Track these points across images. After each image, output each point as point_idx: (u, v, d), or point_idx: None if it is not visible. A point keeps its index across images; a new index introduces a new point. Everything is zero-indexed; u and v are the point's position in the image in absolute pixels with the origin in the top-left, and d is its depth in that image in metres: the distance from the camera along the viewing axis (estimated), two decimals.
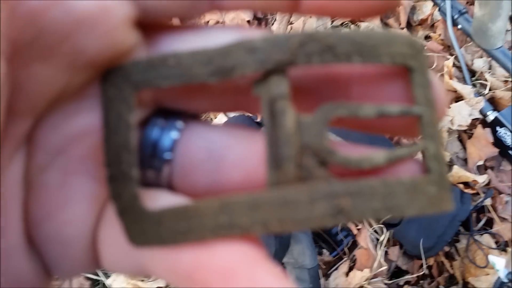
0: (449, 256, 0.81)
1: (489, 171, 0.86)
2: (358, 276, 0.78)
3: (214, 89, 0.17)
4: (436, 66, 0.96)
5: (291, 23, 1.13)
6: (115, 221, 0.16)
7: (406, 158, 0.16)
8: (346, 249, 0.82)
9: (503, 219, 0.81)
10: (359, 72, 0.17)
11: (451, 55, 0.97)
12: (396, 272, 0.82)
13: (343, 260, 0.82)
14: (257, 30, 0.17)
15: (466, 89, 0.89)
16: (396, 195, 0.15)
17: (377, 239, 0.81)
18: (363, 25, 1.06)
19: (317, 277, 0.77)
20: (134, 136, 0.16)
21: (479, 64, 0.96)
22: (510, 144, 0.82)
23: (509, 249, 0.77)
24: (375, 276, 0.78)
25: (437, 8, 0.95)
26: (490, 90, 0.92)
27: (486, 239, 0.79)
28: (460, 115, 0.87)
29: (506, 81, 0.91)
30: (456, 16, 0.91)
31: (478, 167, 0.86)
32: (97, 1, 0.14)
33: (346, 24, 1.11)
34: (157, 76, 0.16)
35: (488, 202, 0.82)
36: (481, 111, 0.87)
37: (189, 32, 0.17)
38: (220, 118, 0.93)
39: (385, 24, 1.05)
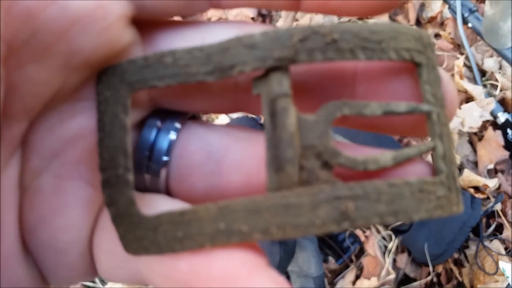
0: (458, 263, 0.81)
1: (499, 174, 0.86)
2: (365, 284, 0.77)
3: (212, 88, 0.17)
4: (446, 66, 0.96)
5: (297, 20, 1.13)
6: (111, 227, 0.16)
7: (414, 159, 0.16)
8: (353, 257, 0.82)
9: None
10: (364, 68, 0.16)
11: (461, 54, 0.97)
12: (403, 280, 0.82)
13: (350, 268, 0.82)
14: (258, 25, 0.17)
15: (476, 90, 0.89)
16: (403, 197, 0.15)
17: (385, 246, 0.81)
18: (371, 21, 1.06)
19: (323, 286, 0.77)
20: (130, 139, 0.16)
21: (490, 64, 0.95)
22: None
23: None
24: (382, 285, 0.78)
25: (446, 6, 0.95)
26: (500, 90, 0.92)
27: (496, 245, 0.79)
28: (470, 116, 0.87)
29: None
30: (466, 15, 0.91)
31: (488, 170, 0.85)
32: None
33: (354, 20, 1.11)
34: (153, 75, 0.16)
35: (498, 206, 0.82)
36: (491, 113, 0.87)
37: (187, 29, 0.17)
38: (222, 119, 0.93)
39: (394, 22, 1.05)
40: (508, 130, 0.84)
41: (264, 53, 0.14)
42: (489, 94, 0.91)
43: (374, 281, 0.77)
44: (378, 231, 0.82)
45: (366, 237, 0.81)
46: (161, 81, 0.16)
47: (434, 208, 0.15)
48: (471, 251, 0.79)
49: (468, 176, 0.83)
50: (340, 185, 0.14)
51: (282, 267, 0.69)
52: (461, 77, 0.92)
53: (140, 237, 0.15)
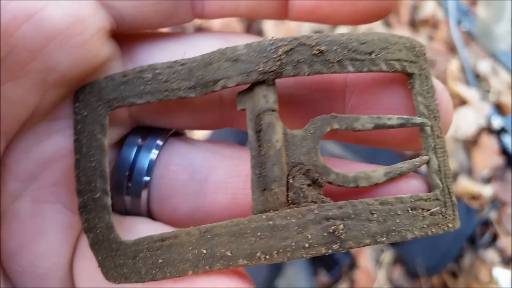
0: (453, 273, 0.81)
1: (494, 181, 0.87)
2: None
3: (196, 103, 0.17)
4: (439, 68, 0.97)
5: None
6: (91, 253, 0.15)
7: (408, 174, 0.16)
8: (344, 269, 0.82)
9: (507, 233, 0.82)
10: (355, 80, 0.16)
11: (454, 56, 0.98)
12: None
13: (341, 280, 0.82)
14: (242, 35, 0.17)
15: (471, 94, 0.90)
16: (395, 216, 0.14)
17: (377, 259, 0.81)
18: (363, 27, 1.07)
19: None
20: (107, 160, 0.15)
21: (483, 67, 0.97)
22: None
23: None
24: None
25: (440, 8, 0.96)
26: (495, 94, 0.93)
27: (490, 254, 0.80)
28: (465, 122, 0.88)
29: (511, 86, 0.93)
30: (459, 16, 0.92)
31: (483, 177, 0.87)
32: (70, 13, 0.14)
33: None
34: (132, 92, 0.15)
35: (492, 214, 0.83)
36: (486, 117, 0.88)
37: (168, 41, 0.17)
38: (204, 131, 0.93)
39: (386, 23, 1.06)
40: (503, 135, 0.85)
41: (248, 67, 0.14)
42: (482, 98, 0.92)
43: None
44: None
45: (358, 248, 0.81)
46: (141, 99, 0.15)
47: (429, 225, 0.15)
48: (465, 260, 0.80)
49: (463, 184, 0.84)
50: (329, 205, 0.14)
51: (269, 282, 0.69)
52: (455, 81, 0.93)
53: (120, 264, 0.15)
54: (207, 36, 0.17)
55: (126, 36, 0.17)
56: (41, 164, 0.16)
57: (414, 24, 1.06)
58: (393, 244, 0.79)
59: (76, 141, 0.16)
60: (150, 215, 0.18)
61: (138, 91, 0.15)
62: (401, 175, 0.16)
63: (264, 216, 0.14)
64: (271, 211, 0.14)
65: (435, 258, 0.76)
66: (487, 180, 0.87)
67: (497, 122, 0.86)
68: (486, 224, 0.83)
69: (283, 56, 0.15)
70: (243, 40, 0.15)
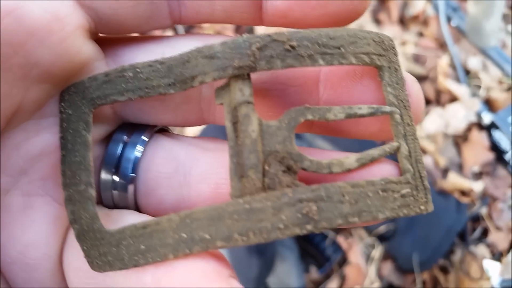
0: (443, 269, 0.82)
1: (484, 177, 0.88)
2: None
3: (177, 100, 0.18)
4: (429, 64, 0.99)
5: None
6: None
7: (379, 160, 0.17)
8: (335, 265, 0.83)
9: (498, 228, 0.83)
10: (327, 74, 0.18)
11: (444, 52, 1.00)
12: None
13: (332, 277, 0.83)
14: (218, 36, 0.18)
15: (461, 90, 0.92)
16: (366, 197, 0.16)
17: (368, 254, 0.82)
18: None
19: None
20: (92, 154, 0.16)
21: (473, 63, 0.98)
22: (505, 148, 0.85)
23: (504, 259, 0.79)
24: None
25: (430, 5, 0.97)
26: (485, 90, 0.95)
27: (481, 250, 0.81)
28: (455, 117, 0.89)
29: (501, 82, 0.94)
30: (449, 13, 0.93)
31: (473, 172, 0.88)
32: (49, 10, 0.15)
33: None
34: (114, 90, 0.17)
35: (483, 209, 0.84)
36: (476, 113, 0.89)
37: (149, 43, 0.18)
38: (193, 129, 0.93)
39: (376, 20, 1.07)
40: (493, 131, 0.87)
41: (224, 63, 0.16)
42: (473, 94, 0.94)
43: None
44: (361, 238, 0.83)
45: (349, 244, 0.83)
46: (122, 96, 0.17)
47: (400, 206, 0.16)
48: (456, 256, 0.82)
49: (453, 180, 0.85)
50: (303, 188, 0.15)
51: (261, 280, 0.69)
52: (445, 77, 0.94)
53: (104, 253, 0.16)
54: (186, 37, 0.18)
55: (109, 39, 0.18)
56: (30, 159, 0.17)
57: (404, 21, 1.08)
58: (384, 239, 0.81)
59: (61, 138, 0.17)
60: (137, 208, 0.18)
61: (120, 89, 0.17)
62: (373, 160, 0.17)
63: (241, 201, 0.15)
64: (248, 196, 0.15)
65: (426, 254, 0.77)
66: (478, 176, 0.88)
67: (487, 118, 0.88)
68: (477, 219, 0.85)
69: (257, 52, 0.16)
70: (219, 41, 0.16)
